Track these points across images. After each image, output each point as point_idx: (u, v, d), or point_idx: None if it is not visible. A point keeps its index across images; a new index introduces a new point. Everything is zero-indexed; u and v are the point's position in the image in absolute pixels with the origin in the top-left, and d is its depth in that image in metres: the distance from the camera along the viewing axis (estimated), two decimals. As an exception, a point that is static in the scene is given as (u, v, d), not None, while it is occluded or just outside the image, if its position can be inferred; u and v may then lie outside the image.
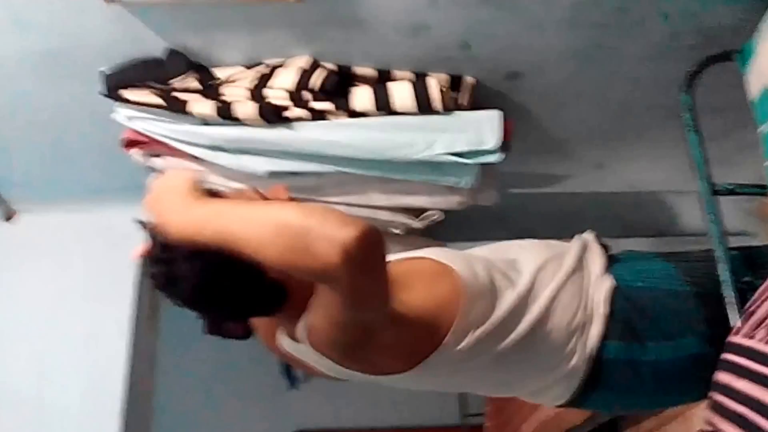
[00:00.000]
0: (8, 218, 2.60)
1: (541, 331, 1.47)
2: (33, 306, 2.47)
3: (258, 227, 1.19)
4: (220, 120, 2.08)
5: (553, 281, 1.52)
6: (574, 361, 1.49)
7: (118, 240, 2.47)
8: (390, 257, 1.40)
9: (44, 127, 2.30)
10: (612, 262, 1.60)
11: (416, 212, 2.34)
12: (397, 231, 2.37)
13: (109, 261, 2.48)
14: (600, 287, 1.53)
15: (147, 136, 2.18)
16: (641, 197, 2.65)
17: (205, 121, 2.11)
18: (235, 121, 2.08)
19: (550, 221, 2.48)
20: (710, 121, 1.80)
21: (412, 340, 1.41)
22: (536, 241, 1.66)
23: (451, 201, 2.24)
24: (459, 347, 1.42)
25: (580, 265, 1.58)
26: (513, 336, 1.46)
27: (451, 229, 2.37)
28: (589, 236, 1.66)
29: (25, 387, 2.36)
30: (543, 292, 1.51)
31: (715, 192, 1.75)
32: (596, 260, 1.59)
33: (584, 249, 1.63)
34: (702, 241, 1.74)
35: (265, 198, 1.44)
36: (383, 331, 1.34)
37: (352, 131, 2.07)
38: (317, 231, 1.15)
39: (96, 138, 2.31)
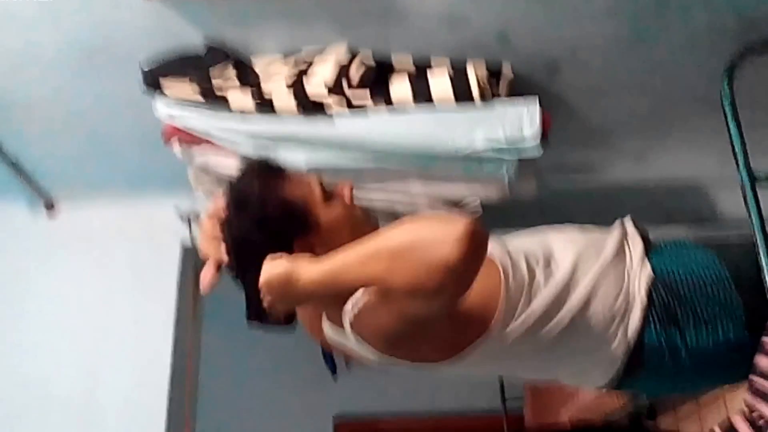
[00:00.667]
0: (49, 208, 2.64)
1: (581, 318, 1.49)
2: (76, 299, 2.51)
3: (375, 264, 1.25)
4: (259, 114, 2.10)
5: (593, 269, 1.54)
6: (614, 346, 1.51)
7: (160, 232, 2.56)
8: None
9: (84, 120, 2.33)
10: (651, 249, 1.62)
11: (455, 203, 2.34)
12: None
13: (151, 253, 2.54)
14: (640, 274, 1.55)
15: (187, 130, 2.21)
16: (680, 186, 2.63)
17: (245, 115, 2.14)
18: (275, 114, 2.10)
19: (589, 211, 2.40)
20: (750, 111, 1.79)
21: (459, 330, 1.45)
22: (575, 227, 1.68)
23: (490, 193, 2.24)
24: (501, 337, 1.45)
25: (620, 252, 1.59)
26: (554, 324, 1.48)
27: (490, 219, 2.36)
28: (628, 222, 1.67)
29: (73, 382, 2.41)
30: (583, 280, 1.52)
31: (755, 180, 1.76)
32: (636, 247, 1.61)
33: (624, 235, 1.64)
34: (741, 228, 1.74)
35: (327, 191, 1.48)
36: (439, 323, 1.38)
37: (392, 125, 2.08)
38: (427, 239, 1.21)
39: (137, 130, 2.34)
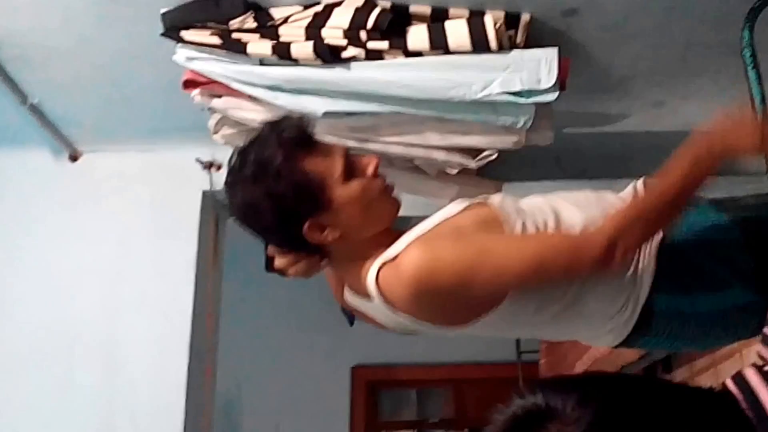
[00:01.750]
0: (74, 159, 2.68)
1: (593, 285, 1.49)
2: (99, 245, 2.56)
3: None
4: (277, 60, 2.11)
5: None
6: (627, 314, 1.51)
7: (181, 179, 2.59)
8: (453, 208, 1.50)
9: (106, 69, 2.35)
10: None
11: (472, 152, 2.35)
12: (452, 171, 2.39)
13: (172, 199, 2.57)
14: (650, 240, 1.53)
15: (206, 77, 2.22)
16: (698, 136, 2.59)
17: (263, 62, 2.14)
18: (292, 61, 2.10)
19: (606, 161, 2.47)
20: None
21: (482, 297, 1.46)
22: (588, 190, 1.67)
23: (507, 141, 2.24)
24: (516, 303, 1.46)
25: None
26: (567, 291, 1.48)
27: (506, 168, 2.39)
28: (640, 185, 1.65)
29: (96, 325, 2.46)
30: None
31: (775, 130, 1.72)
32: None
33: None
34: (758, 181, 1.73)
35: (350, 166, 1.45)
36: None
37: (409, 71, 2.08)
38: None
39: (158, 79, 2.35)
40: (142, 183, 2.61)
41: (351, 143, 2.23)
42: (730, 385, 0.88)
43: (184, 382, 2.38)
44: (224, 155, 2.34)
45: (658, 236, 1.52)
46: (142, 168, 2.62)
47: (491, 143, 2.27)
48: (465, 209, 1.51)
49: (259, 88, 2.18)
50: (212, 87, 2.23)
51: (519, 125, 2.13)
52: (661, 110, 2.54)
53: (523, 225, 1.47)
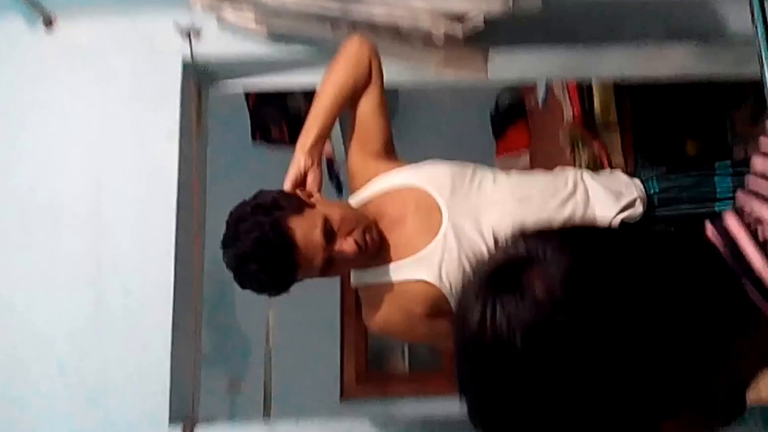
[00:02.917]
0: (48, 25, 2.55)
1: None
2: (78, 113, 2.50)
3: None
4: None
5: None
6: None
7: (160, 46, 2.50)
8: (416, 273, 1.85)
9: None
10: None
11: (459, 19, 2.28)
12: (438, 41, 2.29)
13: (152, 67, 2.50)
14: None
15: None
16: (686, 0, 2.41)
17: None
18: None
19: (594, 24, 2.33)
20: None
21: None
22: (547, 180, 2.00)
23: (493, 6, 2.21)
24: None
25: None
26: None
27: (492, 34, 2.30)
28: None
29: (80, 194, 2.44)
30: None
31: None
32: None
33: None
34: (747, 43, 1.89)
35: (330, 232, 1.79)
36: None
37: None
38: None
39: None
40: (121, 51, 2.52)
41: (334, 11, 2.25)
42: (710, 233, 0.90)
43: (173, 249, 2.39)
44: (204, 21, 2.42)
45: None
46: (120, 35, 2.52)
47: (477, 7, 2.23)
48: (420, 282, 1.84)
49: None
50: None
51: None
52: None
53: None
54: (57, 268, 2.37)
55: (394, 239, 1.88)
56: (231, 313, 4.51)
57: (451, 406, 1.05)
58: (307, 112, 2.01)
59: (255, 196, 1.80)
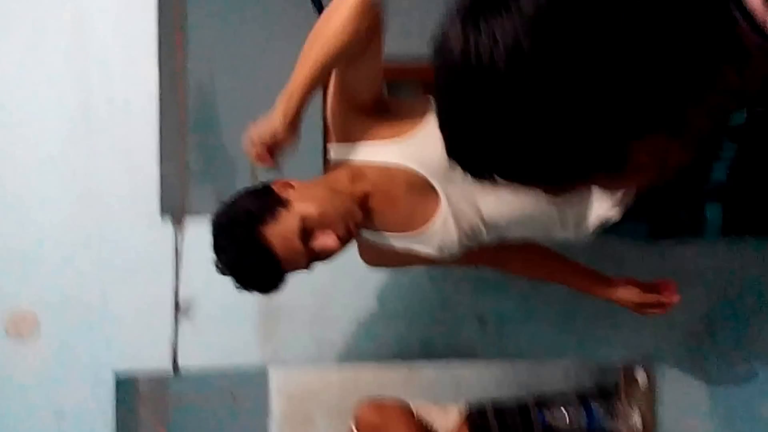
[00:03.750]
0: None
1: None
2: None
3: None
4: None
5: None
6: None
7: None
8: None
9: None
10: None
11: None
12: None
13: None
14: None
15: None
16: None
17: None
18: None
19: None
20: None
21: None
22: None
23: None
24: None
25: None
26: None
27: None
28: None
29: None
30: None
31: None
32: None
33: None
34: None
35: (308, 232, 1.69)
36: None
37: None
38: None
39: None
40: None
41: None
42: None
43: (155, 46, 2.41)
44: None
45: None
46: None
47: None
48: None
49: None
50: None
51: None
52: None
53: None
54: (41, 69, 2.39)
55: (386, 216, 1.79)
56: (216, 132, 4.58)
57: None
58: None
59: (231, 204, 1.72)
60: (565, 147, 0.83)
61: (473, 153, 0.89)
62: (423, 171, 1.72)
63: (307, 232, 1.65)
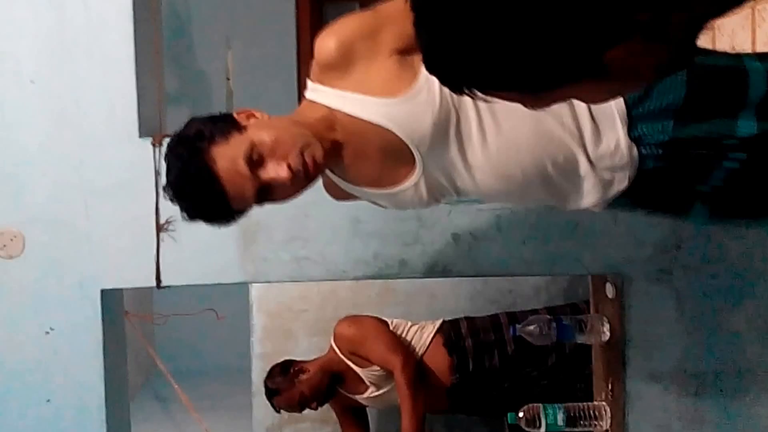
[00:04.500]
0: None
1: None
2: None
3: None
4: None
5: None
6: None
7: None
8: None
9: None
10: None
11: None
12: None
13: None
14: None
15: None
16: None
17: None
18: None
19: None
20: None
21: None
22: None
23: None
24: None
25: None
26: None
27: None
28: None
29: None
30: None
31: None
32: None
33: None
34: None
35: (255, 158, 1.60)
36: None
37: None
38: None
39: None
40: None
41: None
42: None
43: None
44: None
45: None
46: None
47: None
48: None
49: None
50: None
51: None
52: None
53: None
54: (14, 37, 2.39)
55: (353, 169, 1.72)
56: (191, 54, 4.60)
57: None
58: None
59: (186, 125, 1.64)
60: (539, 47, 0.83)
61: (450, 61, 0.89)
62: (404, 136, 1.63)
63: (256, 159, 1.56)
